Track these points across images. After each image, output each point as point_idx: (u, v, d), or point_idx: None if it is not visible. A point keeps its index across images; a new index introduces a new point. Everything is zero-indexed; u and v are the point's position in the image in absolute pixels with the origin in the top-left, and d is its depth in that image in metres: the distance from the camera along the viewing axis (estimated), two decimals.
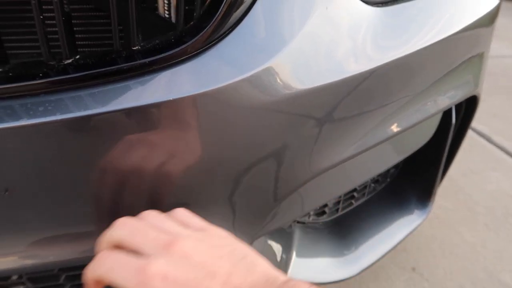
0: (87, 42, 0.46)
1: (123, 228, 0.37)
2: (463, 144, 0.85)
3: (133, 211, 0.42)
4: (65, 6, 0.37)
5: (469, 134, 0.97)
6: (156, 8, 0.48)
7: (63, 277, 0.58)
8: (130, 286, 0.32)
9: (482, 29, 0.69)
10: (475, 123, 1.65)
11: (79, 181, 0.41)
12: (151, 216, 0.40)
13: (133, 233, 0.36)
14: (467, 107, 0.80)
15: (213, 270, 0.34)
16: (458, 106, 0.79)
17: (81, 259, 0.49)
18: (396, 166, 0.86)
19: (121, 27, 0.48)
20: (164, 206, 0.47)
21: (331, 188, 0.64)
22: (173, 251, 0.34)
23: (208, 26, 0.40)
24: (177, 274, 0.33)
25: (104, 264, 0.35)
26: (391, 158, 0.70)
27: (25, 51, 0.43)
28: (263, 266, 0.36)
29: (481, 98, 0.78)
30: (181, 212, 0.42)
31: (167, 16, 0.48)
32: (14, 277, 0.57)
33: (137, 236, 0.36)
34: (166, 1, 0.48)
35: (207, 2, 0.42)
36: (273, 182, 0.52)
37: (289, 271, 0.64)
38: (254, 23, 0.45)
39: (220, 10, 0.41)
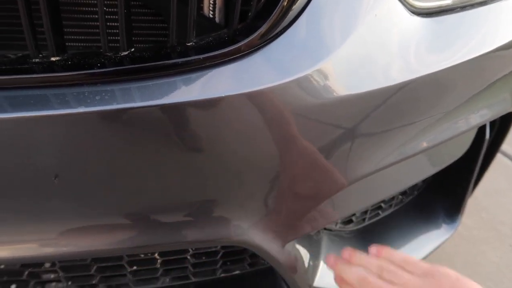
0: (138, 38, 0.47)
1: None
2: None
3: (173, 205, 0.43)
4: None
5: None
6: (201, 8, 0.49)
7: (94, 267, 0.58)
8: None
9: None
10: None
11: (125, 172, 0.42)
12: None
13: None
14: (502, 123, 0.79)
15: None
16: (492, 122, 0.77)
17: (114, 250, 0.50)
18: (424, 180, 0.85)
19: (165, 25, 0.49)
20: (202, 200, 0.47)
21: (363, 197, 0.63)
22: None
23: (263, 26, 0.41)
24: None
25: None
26: (425, 170, 0.69)
27: (82, 44, 0.44)
28: None
29: None
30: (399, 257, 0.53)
31: (211, 16, 0.49)
32: (47, 265, 0.58)
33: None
34: (211, 2, 0.49)
35: (261, 3, 0.43)
36: (311, 185, 0.52)
37: (317, 278, 0.63)
38: (303, 28, 0.45)
39: (274, 12, 0.41)
